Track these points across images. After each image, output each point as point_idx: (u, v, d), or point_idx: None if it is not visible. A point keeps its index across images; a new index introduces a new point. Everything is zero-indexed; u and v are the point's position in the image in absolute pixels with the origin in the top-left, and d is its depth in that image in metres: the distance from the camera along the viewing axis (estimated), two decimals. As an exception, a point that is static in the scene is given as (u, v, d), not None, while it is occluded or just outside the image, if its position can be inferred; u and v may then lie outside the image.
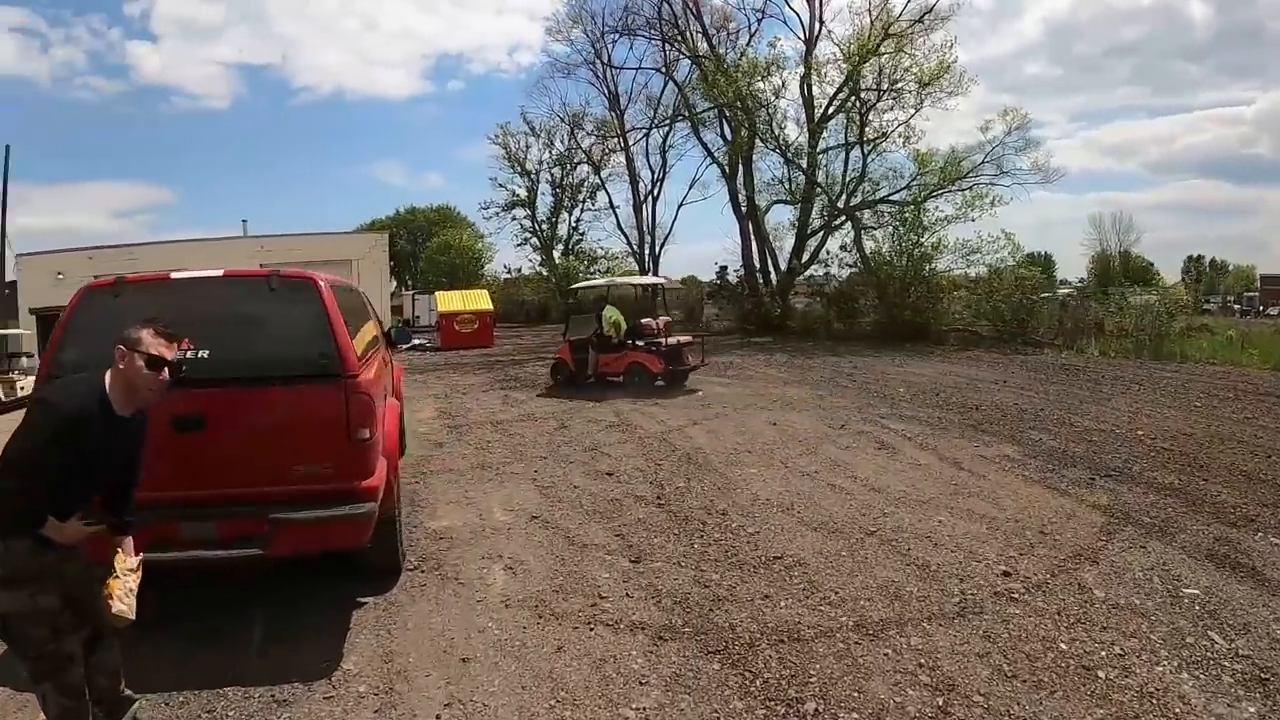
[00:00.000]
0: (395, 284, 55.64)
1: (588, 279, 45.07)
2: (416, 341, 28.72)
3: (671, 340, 15.39)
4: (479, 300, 30.14)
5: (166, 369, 3.29)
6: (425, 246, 56.30)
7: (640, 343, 15.15)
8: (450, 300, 29.33)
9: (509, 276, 49.12)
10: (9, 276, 28.29)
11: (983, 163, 28.86)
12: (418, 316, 38.65)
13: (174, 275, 5.09)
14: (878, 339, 25.93)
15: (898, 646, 4.38)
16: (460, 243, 52.05)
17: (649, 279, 24.23)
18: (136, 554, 3.52)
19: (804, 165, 31.32)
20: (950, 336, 25.58)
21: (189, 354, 4.52)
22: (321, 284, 4.93)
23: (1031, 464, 8.69)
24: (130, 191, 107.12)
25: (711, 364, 19.56)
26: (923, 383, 15.64)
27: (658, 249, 41.78)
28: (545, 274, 46.72)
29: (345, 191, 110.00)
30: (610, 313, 15.46)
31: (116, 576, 3.32)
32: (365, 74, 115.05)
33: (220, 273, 5.06)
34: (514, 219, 47.50)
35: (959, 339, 25.25)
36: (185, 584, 5.21)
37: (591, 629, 4.74)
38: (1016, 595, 5.05)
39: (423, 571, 5.86)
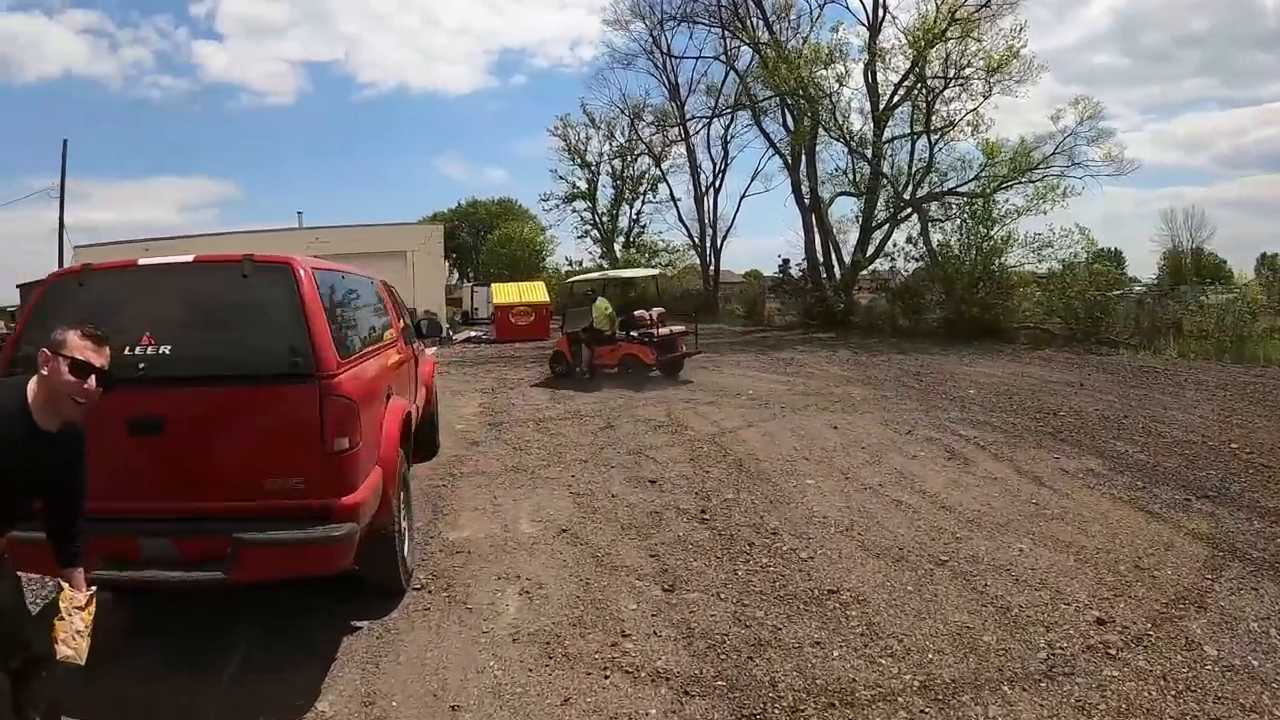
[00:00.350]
0: (457, 276, 55.70)
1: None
2: (472, 334, 28.48)
3: (664, 331, 15.51)
4: (534, 292, 29.64)
5: (94, 377, 2.79)
6: (486, 239, 56.14)
7: (634, 334, 15.31)
8: (505, 292, 28.83)
9: (570, 269, 48.57)
10: None
11: (1053, 153, 27.43)
12: (476, 309, 38.35)
13: (142, 262, 4.56)
14: (944, 336, 24.69)
15: (972, 718, 3.58)
16: (521, 235, 51.75)
17: (644, 271, 23.75)
18: (88, 584, 3.05)
19: (868, 155, 30.12)
20: (1020, 334, 24.24)
21: (149, 350, 4.04)
22: (300, 269, 4.28)
23: (1118, 480, 7.70)
24: (198, 186, 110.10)
25: (771, 360, 18.75)
26: (994, 384, 14.57)
27: (719, 242, 40.90)
28: (605, 266, 46.13)
29: (408, 185, 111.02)
30: (601, 305, 15.74)
31: (62, 617, 2.88)
32: (428, 70, 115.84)
33: (191, 258, 4.47)
34: (574, 211, 47.12)
35: (1029, 337, 23.89)
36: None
37: (607, 676, 4.02)
38: (1114, 650, 4.16)
39: (430, 592, 5.22)
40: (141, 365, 4.01)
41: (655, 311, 16.03)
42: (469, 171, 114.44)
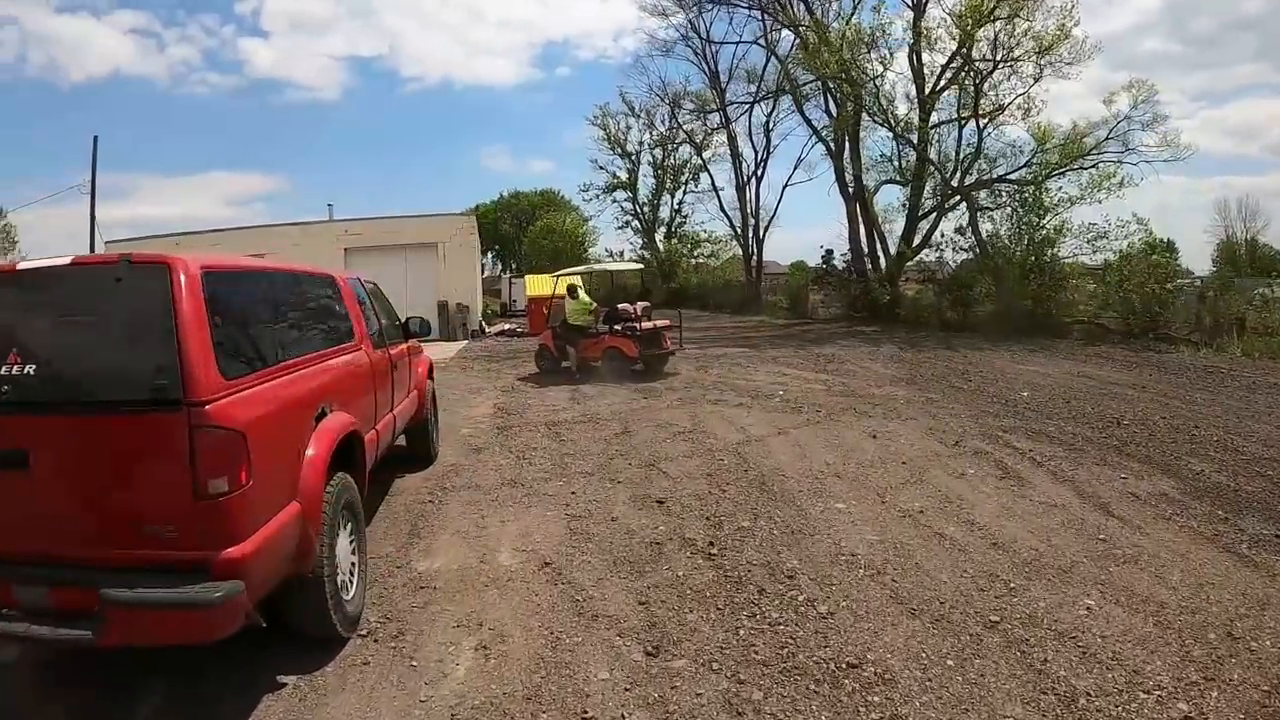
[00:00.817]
0: (500, 268, 55.17)
1: (690, 262, 43.65)
2: (506, 327, 27.73)
3: (648, 325, 15.16)
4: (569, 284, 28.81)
5: None
6: (528, 230, 55.55)
7: (617, 328, 15.04)
8: (539, 284, 27.98)
9: (610, 260, 47.72)
10: None
11: (1106, 138, 25.88)
12: (514, 301, 37.74)
13: (20, 266, 3.81)
14: (994, 330, 23.28)
15: None
16: (563, 226, 51.09)
17: (631, 265, 23.05)
18: None
19: (914, 141, 28.74)
20: (1073, 330, 22.80)
21: (14, 370, 3.36)
22: (180, 271, 3.46)
23: (1197, 509, 6.58)
24: (245, 181, 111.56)
25: (810, 356, 17.66)
26: (1049, 385, 13.36)
27: (762, 232, 39.61)
28: (647, 257, 45.21)
29: (455, 178, 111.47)
30: (583, 301, 15.62)
31: None
32: (472, 64, 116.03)
33: (69, 260, 3.65)
34: (614, 201, 46.28)
35: (1083, 332, 22.42)
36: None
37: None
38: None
39: (375, 640, 4.41)
40: (5, 389, 3.33)
41: (640, 305, 15.90)
42: (515, 163, 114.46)
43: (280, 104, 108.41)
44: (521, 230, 58.48)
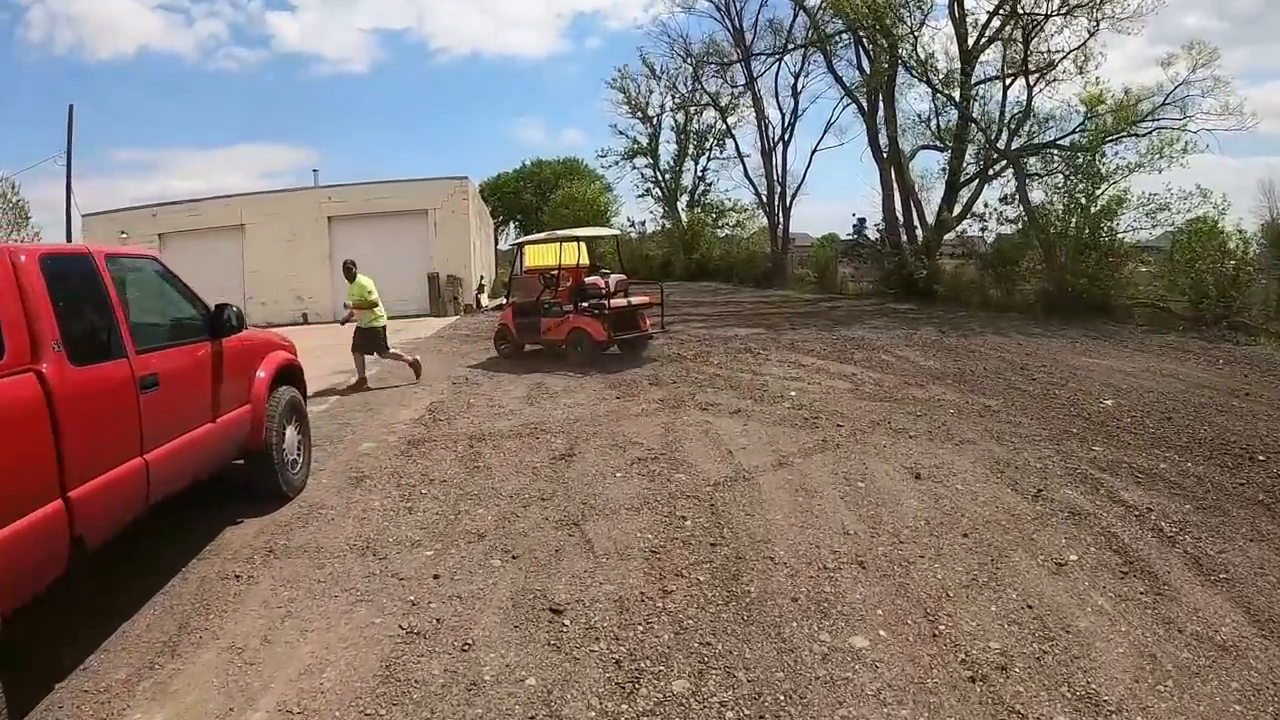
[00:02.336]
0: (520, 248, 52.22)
1: (714, 233, 40.42)
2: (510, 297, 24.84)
3: (620, 302, 12.50)
4: (572, 254, 25.88)
5: None
6: (550, 199, 52.61)
7: (584, 305, 12.23)
8: (540, 254, 25.04)
9: (632, 229, 44.55)
10: (76, 241, 26.58)
11: (1164, 104, 22.41)
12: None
13: None
14: (1043, 311, 19.98)
15: None
16: (585, 196, 48.12)
17: (602, 230, 19.76)
18: None
19: (956, 98, 25.36)
20: (1133, 314, 19.47)
21: None
22: None
23: None
24: (276, 153, 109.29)
25: (835, 341, 14.61)
26: (1132, 389, 10.23)
27: (789, 200, 36.20)
28: (668, 226, 42.11)
29: (484, 148, 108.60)
30: (357, 285, 11.59)
31: None
32: (501, 35, 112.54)
33: None
34: (634, 168, 43.18)
35: (1146, 317, 19.09)
36: None
37: None
38: None
39: None
40: None
41: (615, 279, 13.01)
42: (546, 134, 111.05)
43: (309, 77, 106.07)
44: (544, 200, 55.52)
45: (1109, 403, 9.37)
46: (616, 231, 17.75)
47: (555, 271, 13.58)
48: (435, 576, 4.63)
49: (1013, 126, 24.84)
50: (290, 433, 6.32)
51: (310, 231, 23.07)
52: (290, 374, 6.57)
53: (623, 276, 13.25)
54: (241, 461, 5.87)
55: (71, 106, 25.36)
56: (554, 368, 11.85)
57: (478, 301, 23.66)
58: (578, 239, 14.15)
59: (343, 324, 11.65)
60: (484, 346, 14.72)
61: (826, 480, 6.31)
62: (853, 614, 4.09)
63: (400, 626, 4.02)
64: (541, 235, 15.94)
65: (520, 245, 17.79)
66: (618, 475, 6.49)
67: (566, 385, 10.56)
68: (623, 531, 5.22)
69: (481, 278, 25.65)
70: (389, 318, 11.62)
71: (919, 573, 4.60)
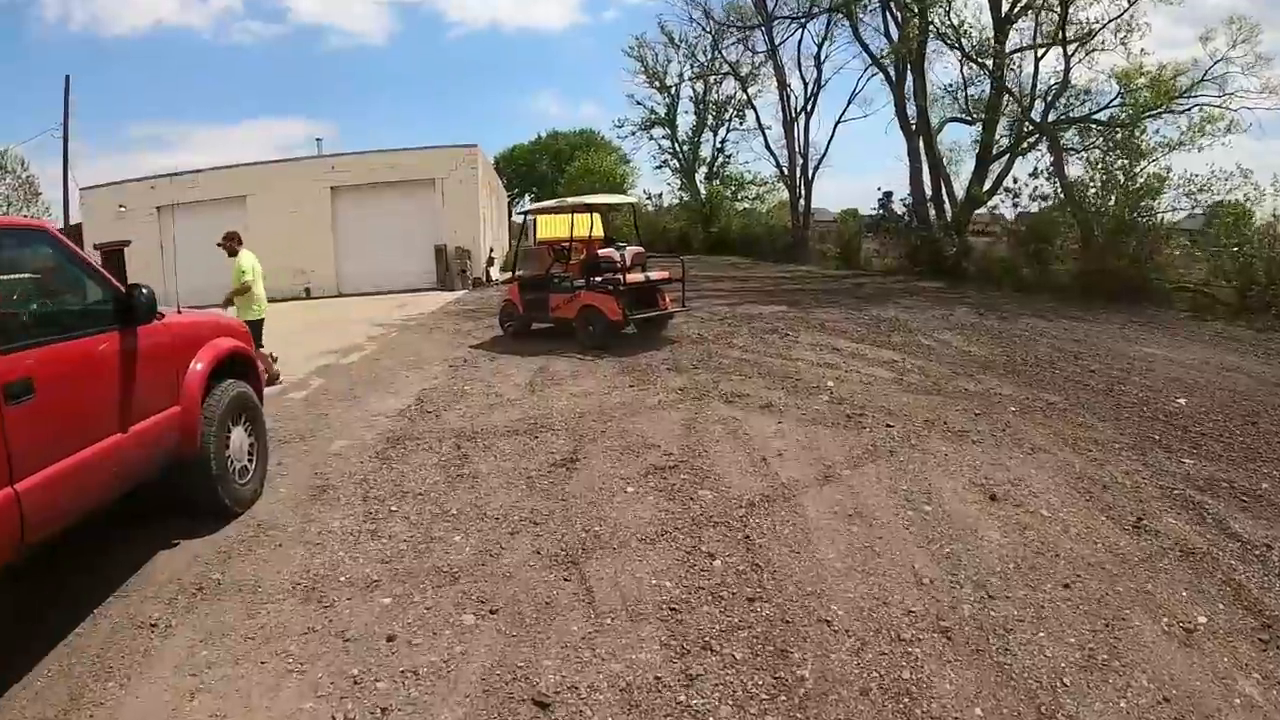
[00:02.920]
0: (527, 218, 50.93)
1: (733, 206, 38.99)
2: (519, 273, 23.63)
3: (638, 277, 11.08)
4: (587, 225, 24.69)
5: None
6: (566, 170, 51.26)
7: (596, 280, 10.93)
8: (553, 225, 23.76)
9: (649, 202, 43.14)
10: (74, 216, 25.80)
11: (1202, 80, 21.07)
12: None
13: None
14: (1078, 293, 18.49)
15: None
16: (602, 167, 46.75)
17: (617, 198, 18.05)
18: None
19: (989, 66, 23.83)
20: (1176, 298, 18.01)
21: None
22: None
23: None
24: (293, 127, 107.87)
25: (868, 322, 13.35)
26: (1200, 385, 8.90)
27: (811, 172, 34.61)
28: (686, 199, 40.71)
29: (502, 122, 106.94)
30: (239, 267, 9.65)
31: None
32: (519, 7, 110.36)
33: None
34: (651, 139, 41.64)
35: (1188, 302, 17.63)
36: None
37: None
38: None
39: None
40: None
41: (631, 251, 11.50)
42: (564, 107, 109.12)
43: (325, 50, 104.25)
44: (559, 172, 54.18)
45: (1182, 401, 8.12)
46: (633, 199, 15.96)
47: (566, 243, 12.36)
48: (389, 639, 3.52)
49: (1049, 98, 23.33)
50: (238, 435, 5.23)
51: (312, 203, 21.86)
52: (238, 365, 5.45)
53: (640, 249, 11.91)
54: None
55: (68, 78, 24.24)
56: (563, 349, 10.69)
57: (487, 275, 22.46)
58: (591, 208, 12.87)
59: (223, 308, 9.21)
60: (489, 324, 13.55)
61: (884, 501, 5.14)
62: (945, 715, 2.95)
63: (333, 719, 2.93)
64: (552, 202, 14.43)
65: (530, 214, 16.44)
66: (629, 490, 5.35)
67: (575, 370, 9.42)
68: (633, 576, 4.08)
69: (491, 250, 24.46)
70: (395, 290, 10.40)
71: (1020, 645, 3.45)
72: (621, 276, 10.66)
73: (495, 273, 23.33)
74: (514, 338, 11.99)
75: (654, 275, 11.36)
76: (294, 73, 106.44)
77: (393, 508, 5.14)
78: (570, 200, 13.34)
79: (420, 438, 6.69)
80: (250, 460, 5.41)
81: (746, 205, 39.28)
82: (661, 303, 11.45)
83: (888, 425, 6.92)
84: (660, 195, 43.78)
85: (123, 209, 22.84)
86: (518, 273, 12.55)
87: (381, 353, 11.08)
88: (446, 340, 12.28)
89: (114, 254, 24.43)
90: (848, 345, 10.86)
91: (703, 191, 39.33)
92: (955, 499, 5.17)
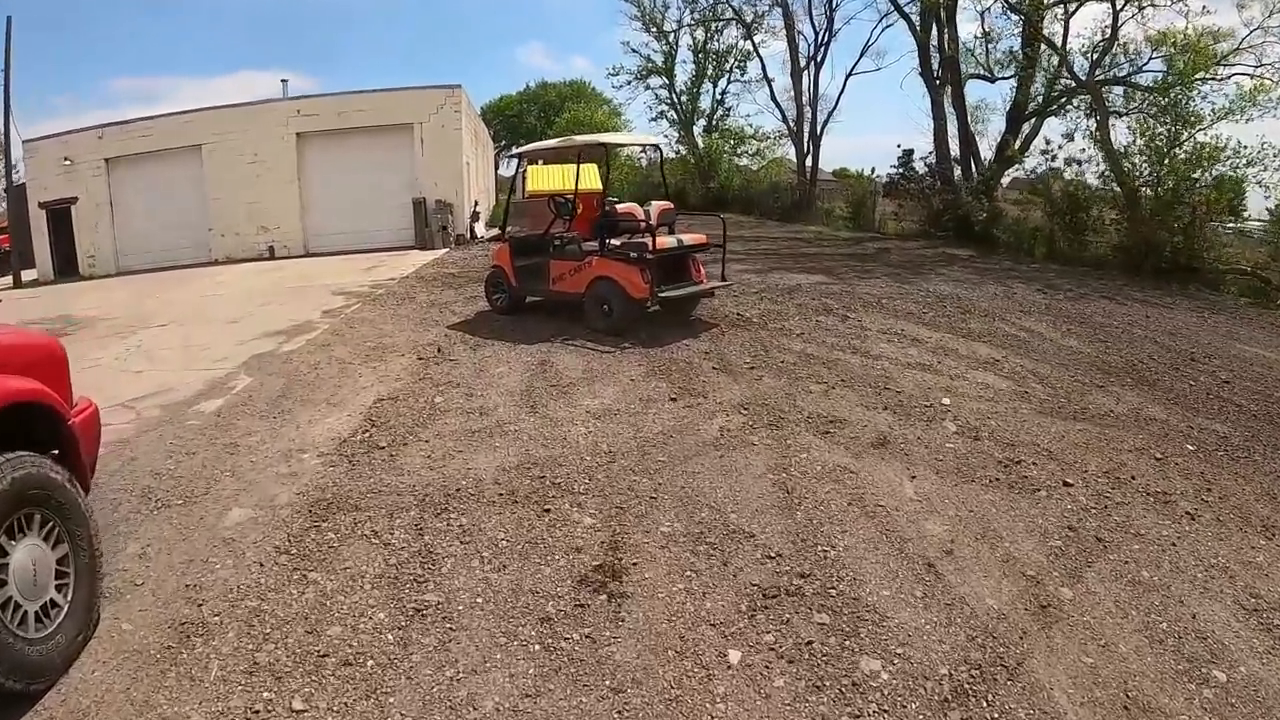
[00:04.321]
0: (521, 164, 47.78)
1: (733, 161, 36.07)
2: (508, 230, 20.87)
3: (669, 241, 8.16)
4: (584, 178, 21.87)
5: None
6: (554, 123, 48.05)
7: (615, 244, 8.14)
8: (545, 177, 20.94)
9: (643, 155, 40.05)
10: (18, 174, 23.46)
11: (1238, 48, 18.83)
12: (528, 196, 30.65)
13: None
14: (1119, 268, 16.09)
15: None
16: (593, 119, 43.69)
17: (636, 138, 14.72)
18: None
19: (1023, 9, 21.12)
20: (1228, 280, 15.63)
21: None
22: None
23: None
24: (276, 80, 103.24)
25: (924, 298, 10.81)
26: None
27: (819, 127, 31.77)
28: (683, 152, 37.78)
29: (489, 75, 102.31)
30: None
31: None
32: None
33: None
34: (648, 88, 38.48)
35: (1242, 287, 15.29)
36: None
37: None
38: None
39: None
40: None
41: (657, 207, 8.62)
42: (552, 59, 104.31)
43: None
44: (548, 124, 50.89)
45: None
46: (657, 140, 12.09)
47: (572, 195, 9.68)
48: None
49: (1094, 55, 20.67)
50: (26, 555, 2.77)
51: (276, 151, 18.94)
52: (36, 424, 2.98)
53: (668, 204, 9.00)
54: None
55: (10, 19, 20.96)
56: (567, 333, 8.12)
57: (471, 231, 19.71)
58: (605, 147, 10.01)
59: None
60: (472, 294, 10.94)
61: (1152, 666, 2.79)
62: None
63: None
64: (555, 141, 11.07)
65: (524, 157, 12.92)
66: (731, 664, 2.89)
67: (588, 368, 6.88)
68: None
69: (476, 204, 21.71)
70: (370, 249, 7.81)
71: None
72: (649, 241, 7.87)
73: (481, 229, 20.60)
74: (503, 315, 9.33)
75: (687, 239, 8.51)
76: (279, 24, 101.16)
77: (295, 696, 2.67)
78: (579, 138, 10.38)
79: (361, 505, 4.18)
80: (64, 591, 2.95)
81: (746, 161, 36.43)
82: (696, 275, 8.65)
83: (1065, 484, 4.52)
84: (656, 148, 40.80)
85: (68, 162, 20.02)
86: (509, 232, 9.77)
87: (334, 336, 8.52)
88: (419, 316, 9.66)
89: (59, 212, 21.74)
90: (928, 335, 8.37)
91: (700, 144, 36.41)
92: (1249, 653, 2.84)
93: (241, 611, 3.22)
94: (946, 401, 5.98)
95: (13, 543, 2.77)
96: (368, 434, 5.29)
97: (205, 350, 8.43)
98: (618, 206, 8.63)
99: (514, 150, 10.20)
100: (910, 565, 3.53)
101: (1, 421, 2.83)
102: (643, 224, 8.30)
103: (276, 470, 4.72)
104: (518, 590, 3.35)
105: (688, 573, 3.47)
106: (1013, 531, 3.90)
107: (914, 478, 4.51)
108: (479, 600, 3.28)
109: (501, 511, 4.10)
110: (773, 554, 3.61)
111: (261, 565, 3.61)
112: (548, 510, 4.10)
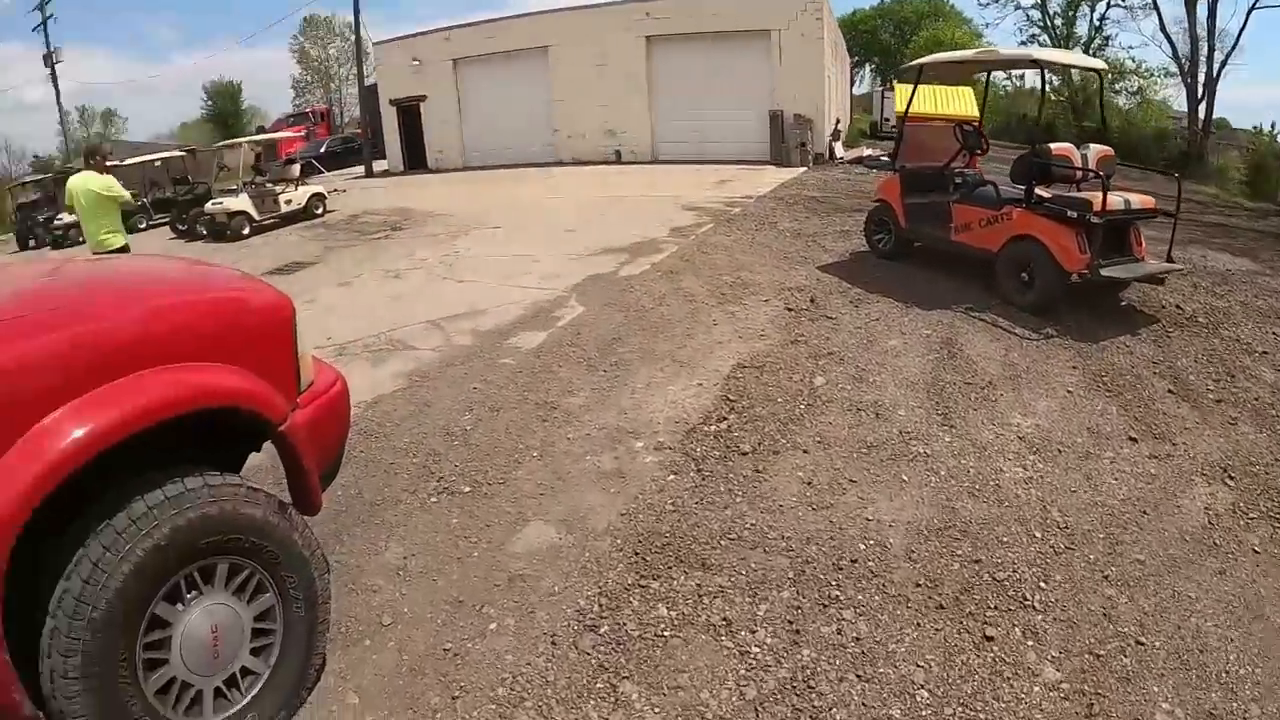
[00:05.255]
0: (880, 82, 44.33)
1: (1109, 97, 30.39)
2: (868, 153, 18.64)
3: (1115, 199, 5.66)
4: (959, 102, 18.87)
5: None
6: (911, 41, 43.89)
7: (1044, 195, 5.99)
8: (917, 99, 18.13)
9: (1006, 83, 35.14)
10: (369, 77, 24.92)
11: None
12: (887, 119, 27.66)
13: None
14: None
15: None
16: (952, 40, 39.21)
17: (1079, 57, 10.53)
18: None
19: None
20: None
21: None
22: None
23: None
24: None
25: None
26: None
27: (1214, 68, 25.80)
28: (1056, 83, 32.59)
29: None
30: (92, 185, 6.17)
31: None
32: None
33: None
34: (1018, 8, 33.44)
35: None
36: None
37: None
38: None
39: None
40: None
41: (1096, 151, 6.37)
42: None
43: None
44: (904, 42, 46.69)
45: None
46: (1101, 64, 8.49)
47: (977, 124, 7.52)
48: None
49: None
50: (196, 625, 1.68)
51: (624, 55, 18.25)
52: (237, 435, 1.96)
53: (1108, 150, 6.55)
54: None
55: None
56: (970, 299, 6.13)
57: (831, 151, 17.81)
58: (1041, 65, 7.42)
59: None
60: (840, 223, 9.17)
61: None
62: None
63: None
64: (968, 53, 8.74)
65: (909, 71, 9.51)
66: None
67: (1006, 359, 4.94)
68: None
69: (838, 121, 19.71)
70: (719, 160, 6.68)
71: None
72: (1091, 202, 5.60)
73: (839, 149, 18.60)
74: (886, 260, 7.46)
75: (1135, 200, 5.96)
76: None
77: None
78: (1004, 50, 8.01)
79: (711, 562, 2.81)
80: (264, 655, 1.91)
81: (1124, 100, 30.63)
82: (1138, 249, 6.14)
83: None
84: (1021, 76, 35.68)
85: (416, 63, 20.93)
86: (898, 162, 7.72)
87: (684, 262, 7.31)
88: (782, 248, 8.10)
89: (409, 110, 22.73)
90: None
91: (1076, 76, 31.14)
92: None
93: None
94: None
95: (179, 607, 1.75)
96: (725, 423, 3.93)
97: (536, 264, 7.70)
98: (1051, 146, 6.37)
99: (909, 63, 7.86)
100: None
101: (173, 433, 1.77)
102: (1079, 173, 6.10)
103: (598, 462, 3.52)
104: None
105: None
106: None
107: None
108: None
109: (919, 622, 2.53)
110: None
111: (553, 644, 2.38)
112: (989, 638, 2.47)
